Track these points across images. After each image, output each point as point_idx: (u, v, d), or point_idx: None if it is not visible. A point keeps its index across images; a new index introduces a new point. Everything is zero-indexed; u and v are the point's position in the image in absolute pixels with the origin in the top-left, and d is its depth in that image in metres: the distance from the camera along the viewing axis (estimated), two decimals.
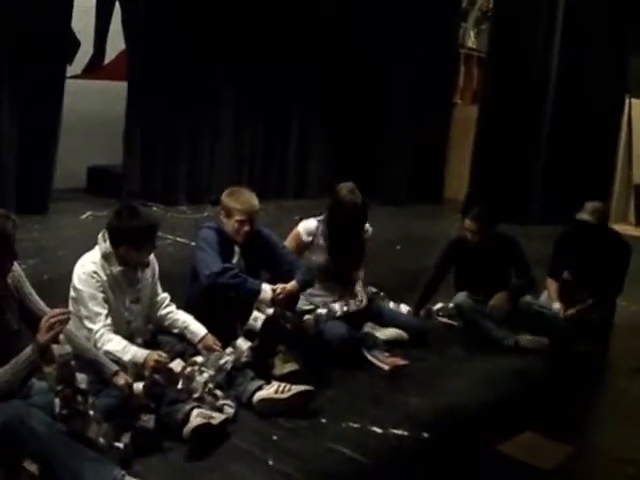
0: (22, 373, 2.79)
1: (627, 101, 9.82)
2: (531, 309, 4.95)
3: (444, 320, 5.17)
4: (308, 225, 4.58)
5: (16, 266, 2.99)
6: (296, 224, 4.66)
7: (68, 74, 7.61)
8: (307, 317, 4.36)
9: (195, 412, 3.20)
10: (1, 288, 2.92)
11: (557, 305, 5.06)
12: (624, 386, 4.50)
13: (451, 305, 5.10)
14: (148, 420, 3.10)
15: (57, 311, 2.83)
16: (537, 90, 9.41)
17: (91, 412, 2.79)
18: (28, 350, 2.77)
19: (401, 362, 4.33)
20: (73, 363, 2.78)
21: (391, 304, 5.02)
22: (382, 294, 5.01)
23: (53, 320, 2.76)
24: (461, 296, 4.96)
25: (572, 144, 9.31)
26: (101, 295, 3.46)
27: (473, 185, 9.85)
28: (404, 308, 5.05)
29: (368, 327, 4.64)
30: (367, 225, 4.66)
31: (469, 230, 4.93)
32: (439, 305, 5.21)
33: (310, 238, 4.54)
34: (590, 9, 9.33)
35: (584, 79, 9.34)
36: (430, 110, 10.30)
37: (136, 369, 3.30)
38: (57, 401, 2.73)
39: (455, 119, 10.78)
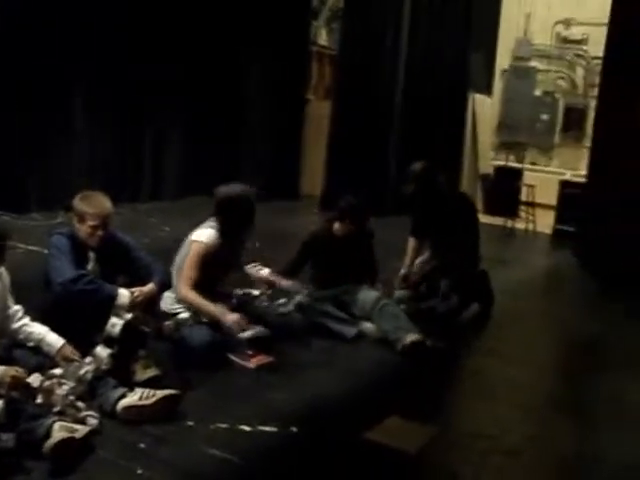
0: None
1: (471, 96, 10.31)
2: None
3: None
4: None
5: None
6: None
7: None
8: (167, 322, 4.30)
9: (57, 426, 3.07)
10: None
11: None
12: (480, 366, 4.73)
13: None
14: (7, 440, 2.95)
15: None
16: (387, 86, 9.71)
17: None
18: None
19: (266, 359, 4.32)
20: None
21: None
22: (251, 291, 4.93)
23: None
24: (303, 295, 4.94)
25: (422, 138, 9.65)
26: None
27: (328, 180, 10.03)
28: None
29: None
30: None
31: (354, 224, 4.97)
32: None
33: None
34: (434, 9, 9.76)
35: (430, 76, 9.72)
36: (283, 107, 10.40)
37: None
38: None
39: (309, 115, 10.92)
